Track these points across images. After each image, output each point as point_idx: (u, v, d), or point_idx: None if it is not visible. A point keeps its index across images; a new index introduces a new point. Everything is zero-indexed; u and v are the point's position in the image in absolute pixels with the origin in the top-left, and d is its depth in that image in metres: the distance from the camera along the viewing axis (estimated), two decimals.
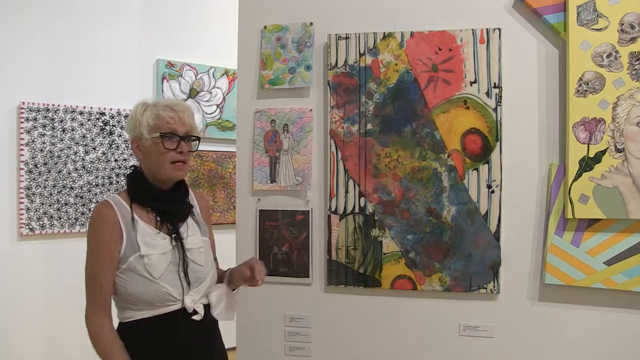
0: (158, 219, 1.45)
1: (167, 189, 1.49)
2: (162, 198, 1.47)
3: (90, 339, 1.38)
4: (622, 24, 1.58)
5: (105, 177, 3.31)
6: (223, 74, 3.81)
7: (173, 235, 1.44)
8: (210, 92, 3.78)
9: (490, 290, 1.70)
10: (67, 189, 3.18)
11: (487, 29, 1.70)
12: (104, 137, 3.31)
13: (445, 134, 1.72)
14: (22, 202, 3.03)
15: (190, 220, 1.53)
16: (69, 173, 3.19)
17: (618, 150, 1.58)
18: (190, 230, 1.50)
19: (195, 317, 1.42)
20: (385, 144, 1.76)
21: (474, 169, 1.71)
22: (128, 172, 1.54)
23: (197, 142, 1.52)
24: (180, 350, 1.39)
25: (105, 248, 1.37)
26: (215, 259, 1.63)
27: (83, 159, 3.24)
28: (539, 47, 1.69)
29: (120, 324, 1.42)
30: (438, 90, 1.72)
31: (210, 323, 1.49)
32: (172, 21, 3.63)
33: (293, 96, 1.85)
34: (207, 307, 1.48)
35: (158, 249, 1.40)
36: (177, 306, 1.40)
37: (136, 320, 1.38)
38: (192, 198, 1.61)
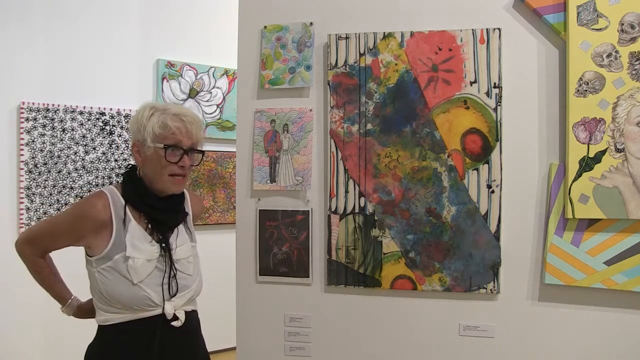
0: (149, 226, 1.43)
1: (163, 196, 1.46)
2: (156, 206, 1.43)
3: (20, 255, 1.52)
4: (622, 24, 1.58)
5: (105, 177, 3.31)
6: (223, 74, 3.81)
7: (162, 245, 1.42)
8: (210, 92, 3.78)
9: (490, 290, 1.70)
10: (67, 189, 3.18)
11: (487, 29, 1.70)
12: (104, 137, 3.31)
13: (445, 134, 1.72)
14: (22, 202, 3.03)
15: (181, 227, 1.51)
16: (69, 173, 3.19)
17: (618, 150, 1.58)
18: (180, 239, 1.48)
19: (175, 324, 1.41)
20: (385, 144, 1.76)
21: (474, 169, 1.71)
22: (125, 170, 1.50)
23: (201, 156, 1.49)
24: (158, 356, 1.37)
25: (76, 234, 1.39)
26: None
27: (83, 159, 3.24)
28: (539, 47, 1.69)
29: (98, 327, 1.41)
30: (438, 90, 1.72)
31: (191, 330, 1.48)
32: (172, 21, 3.64)
33: (293, 96, 1.85)
34: (189, 313, 1.47)
35: (145, 254, 1.38)
36: (157, 311, 1.38)
37: (114, 324, 1.37)
38: (187, 202, 1.58)
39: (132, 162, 1.50)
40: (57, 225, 1.44)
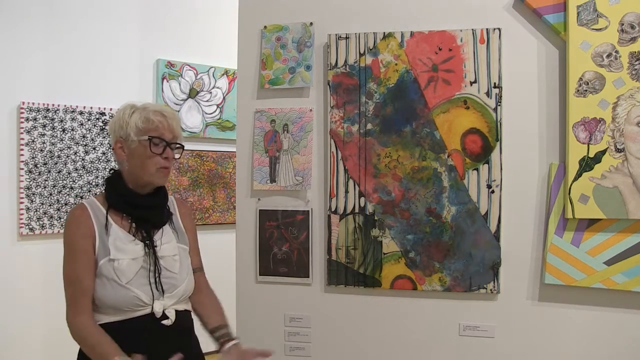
0: (133, 225, 1.44)
1: (146, 194, 1.48)
2: (139, 204, 1.46)
3: (77, 339, 1.36)
4: (622, 24, 1.58)
5: (105, 177, 3.31)
6: (223, 74, 3.81)
7: (146, 242, 1.43)
8: (210, 92, 3.78)
9: (490, 290, 1.70)
10: (67, 189, 3.18)
11: (487, 29, 1.70)
12: (104, 137, 3.31)
13: (445, 134, 1.72)
14: (22, 202, 3.03)
15: (167, 227, 1.52)
16: (69, 173, 3.19)
17: (618, 150, 1.58)
18: (165, 238, 1.49)
19: (165, 322, 1.41)
20: (385, 144, 1.76)
21: (474, 169, 1.71)
22: (107, 175, 1.53)
23: (181, 150, 1.53)
24: (148, 355, 1.35)
25: (83, 250, 1.37)
26: (200, 268, 1.60)
27: (83, 159, 3.24)
28: (539, 47, 1.69)
29: None
30: (438, 90, 1.72)
31: (183, 329, 1.48)
32: (172, 21, 3.63)
33: (293, 96, 1.85)
34: (181, 313, 1.47)
35: (129, 253, 1.40)
36: (146, 311, 1.39)
37: (103, 324, 1.37)
38: (173, 204, 1.60)
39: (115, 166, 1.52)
40: (71, 258, 1.39)
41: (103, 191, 1.51)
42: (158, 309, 1.40)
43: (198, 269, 1.60)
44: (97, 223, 1.41)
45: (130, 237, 1.43)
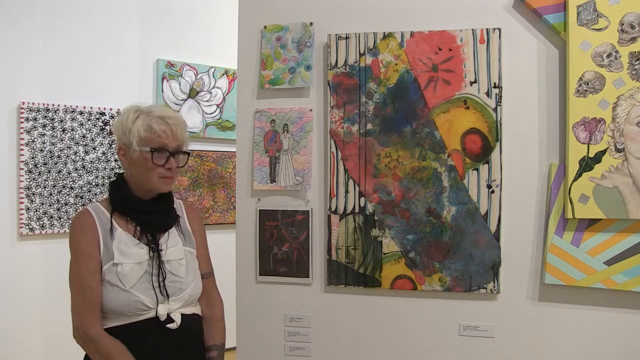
0: (138, 228, 1.43)
1: (150, 199, 1.47)
2: (143, 209, 1.45)
3: (87, 347, 1.35)
4: (622, 24, 1.58)
5: (105, 177, 3.31)
6: (223, 74, 3.81)
7: (151, 246, 1.42)
8: (210, 92, 3.78)
9: (490, 290, 1.70)
10: (67, 189, 3.18)
11: (487, 29, 1.70)
12: (104, 137, 3.31)
13: (445, 134, 1.72)
14: (22, 202, 3.03)
15: (173, 230, 1.50)
16: (69, 173, 3.19)
17: (618, 150, 1.58)
18: (171, 241, 1.48)
19: (170, 326, 1.40)
20: (385, 144, 1.76)
21: (474, 169, 1.71)
22: (111, 179, 1.52)
23: (187, 157, 1.50)
24: (152, 358, 1.37)
25: (92, 256, 1.36)
26: (208, 273, 1.59)
27: (83, 159, 3.24)
28: (539, 47, 1.69)
29: None
30: (438, 90, 1.72)
31: (190, 333, 1.46)
32: (172, 21, 3.64)
33: (293, 96, 1.85)
34: (188, 316, 1.46)
35: (133, 258, 1.38)
36: (150, 315, 1.38)
37: (108, 328, 1.36)
38: (181, 207, 1.59)
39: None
40: (80, 265, 1.37)
41: (107, 195, 1.49)
42: (162, 312, 1.39)
43: (206, 274, 1.58)
44: (101, 228, 1.40)
45: (135, 241, 1.42)
